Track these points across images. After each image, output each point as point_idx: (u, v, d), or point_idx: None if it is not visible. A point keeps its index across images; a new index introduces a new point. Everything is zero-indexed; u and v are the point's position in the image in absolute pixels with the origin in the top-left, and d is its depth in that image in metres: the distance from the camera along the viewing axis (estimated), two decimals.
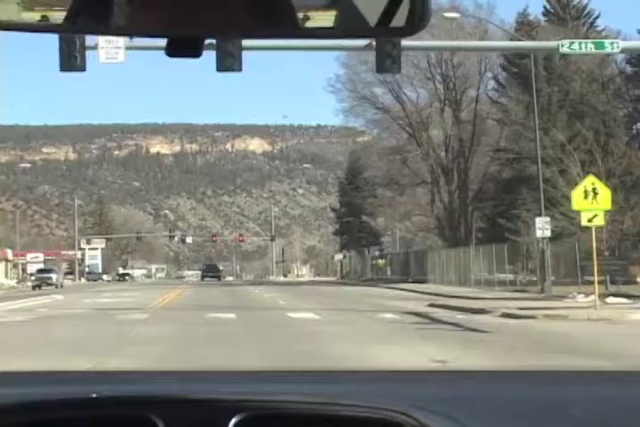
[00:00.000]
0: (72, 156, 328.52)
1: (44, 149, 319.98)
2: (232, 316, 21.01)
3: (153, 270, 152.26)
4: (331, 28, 1.40)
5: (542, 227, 31.22)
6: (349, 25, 1.40)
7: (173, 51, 1.36)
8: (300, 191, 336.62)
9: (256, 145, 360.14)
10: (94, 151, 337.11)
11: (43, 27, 1.37)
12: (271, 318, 20.52)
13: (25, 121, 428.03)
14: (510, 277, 39.77)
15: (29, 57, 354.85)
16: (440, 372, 2.52)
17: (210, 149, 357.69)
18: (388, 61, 18.28)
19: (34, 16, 1.36)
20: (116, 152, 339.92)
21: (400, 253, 69.77)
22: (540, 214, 32.61)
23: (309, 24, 1.39)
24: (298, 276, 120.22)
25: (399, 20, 1.38)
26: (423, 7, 1.36)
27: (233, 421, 1.61)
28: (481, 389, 1.87)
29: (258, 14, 1.34)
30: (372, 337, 15.19)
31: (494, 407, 1.72)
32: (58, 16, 1.35)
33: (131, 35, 1.41)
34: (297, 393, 1.77)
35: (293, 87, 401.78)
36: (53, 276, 60.25)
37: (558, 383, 1.94)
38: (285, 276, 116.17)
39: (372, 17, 1.39)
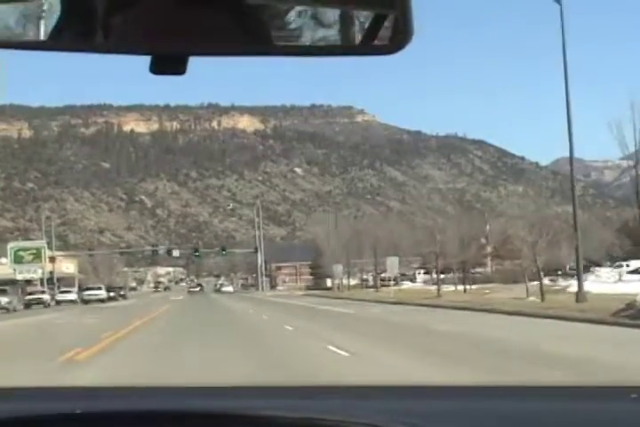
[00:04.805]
0: (27, 133, 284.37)
1: None
2: None
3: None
4: (315, 46, 1.43)
5: None
6: (333, 43, 1.43)
7: (158, 68, 1.35)
8: (300, 173, 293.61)
9: (246, 123, 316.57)
10: (55, 129, 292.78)
11: (25, 44, 1.37)
12: None
13: None
14: None
15: None
16: (420, 387, 2.52)
17: (193, 128, 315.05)
18: None
19: (16, 34, 1.36)
20: (82, 129, 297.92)
21: None
22: None
23: (294, 42, 1.41)
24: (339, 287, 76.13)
25: (382, 37, 1.40)
26: (406, 25, 1.36)
27: None
28: (460, 403, 1.94)
29: (242, 32, 1.36)
30: None
31: (474, 421, 1.77)
32: (41, 34, 1.36)
33: (115, 52, 1.38)
34: (283, 408, 1.81)
35: (285, 65, 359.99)
36: None
37: (534, 398, 1.99)
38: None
39: (356, 35, 1.42)
